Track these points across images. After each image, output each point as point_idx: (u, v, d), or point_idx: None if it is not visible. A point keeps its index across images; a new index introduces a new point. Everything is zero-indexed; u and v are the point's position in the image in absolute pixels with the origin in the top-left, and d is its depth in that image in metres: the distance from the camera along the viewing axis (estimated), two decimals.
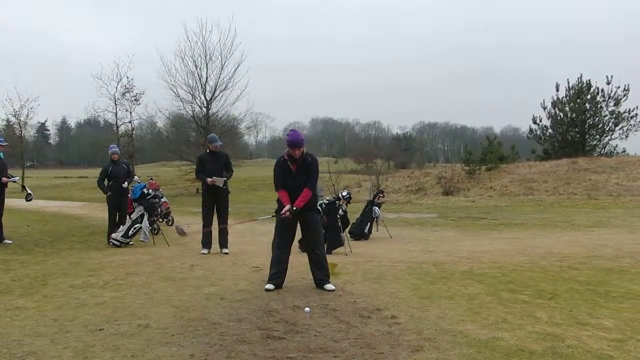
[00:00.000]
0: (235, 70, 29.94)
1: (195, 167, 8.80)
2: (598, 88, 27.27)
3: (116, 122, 34.84)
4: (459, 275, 5.75)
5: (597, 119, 27.60)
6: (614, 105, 27.13)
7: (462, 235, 10.51)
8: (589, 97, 27.48)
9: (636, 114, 26.85)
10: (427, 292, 4.98)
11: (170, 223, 12.34)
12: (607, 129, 27.64)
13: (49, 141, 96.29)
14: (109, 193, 9.04)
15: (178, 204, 20.27)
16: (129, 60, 50.84)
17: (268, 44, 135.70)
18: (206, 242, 7.79)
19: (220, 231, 7.71)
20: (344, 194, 8.85)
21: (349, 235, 8.95)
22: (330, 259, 6.00)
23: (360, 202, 14.13)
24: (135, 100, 34.19)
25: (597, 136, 28.09)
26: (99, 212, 15.83)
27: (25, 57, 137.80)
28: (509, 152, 27.64)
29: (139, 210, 8.88)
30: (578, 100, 27.52)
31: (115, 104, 34.13)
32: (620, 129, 27.39)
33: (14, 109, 36.67)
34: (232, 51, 30.47)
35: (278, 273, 5.25)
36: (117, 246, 8.50)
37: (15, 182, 8.85)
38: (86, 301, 4.75)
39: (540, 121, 29.10)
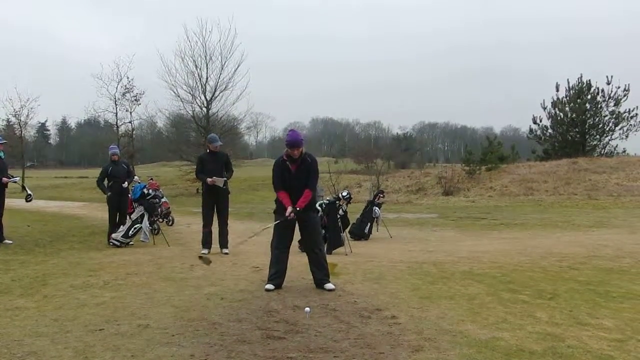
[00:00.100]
0: (235, 71, 30.04)
1: (195, 167, 8.80)
2: (598, 88, 27.37)
3: (116, 122, 34.94)
4: (459, 276, 5.75)
5: (597, 119, 27.63)
6: (614, 105, 27.19)
7: (462, 236, 10.50)
8: (589, 97, 27.51)
9: (636, 114, 26.92)
10: (427, 292, 4.99)
11: (170, 223, 12.35)
12: (607, 129, 27.67)
13: (49, 141, 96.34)
14: (108, 193, 9.02)
15: (178, 204, 20.27)
16: (129, 60, 50.80)
17: (268, 43, 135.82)
18: (206, 242, 7.80)
19: (220, 232, 7.75)
20: (344, 194, 8.85)
21: (349, 236, 8.95)
22: (330, 259, 6.01)
23: (360, 202, 14.13)
24: (135, 100, 34.30)
25: (597, 136, 28.11)
26: (99, 212, 15.82)
27: (25, 54, 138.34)
28: (509, 152, 27.68)
29: (139, 210, 8.88)
30: (578, 100, 27.54)
31: (116, 104, 34.22)
32: (620, 129, 27.49)
33: (14, 109, 36.68)
34: (232, 51, 30.57)
35: (278, 273, 5.25)
36: (117, 246, 8.50)
37: (15, 182, 8.85)
38: (86, 301, 4.75)
39: (541, 121, 29.18)
